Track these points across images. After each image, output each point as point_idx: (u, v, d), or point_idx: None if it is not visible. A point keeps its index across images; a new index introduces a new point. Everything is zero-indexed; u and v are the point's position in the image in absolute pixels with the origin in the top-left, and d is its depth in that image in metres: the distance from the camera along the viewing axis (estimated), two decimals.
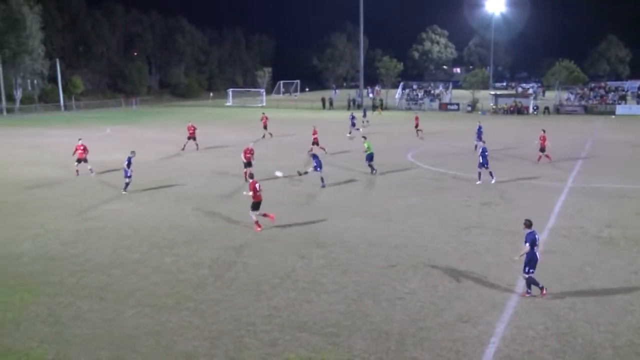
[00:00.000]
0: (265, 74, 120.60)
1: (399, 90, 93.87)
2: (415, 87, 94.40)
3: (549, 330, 12.78)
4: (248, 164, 29.10)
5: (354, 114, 54.37)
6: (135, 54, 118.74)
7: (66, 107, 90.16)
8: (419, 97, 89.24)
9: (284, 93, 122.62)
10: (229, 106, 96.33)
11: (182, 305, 14.18)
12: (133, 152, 26.99)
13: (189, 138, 41.11)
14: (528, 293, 14.54)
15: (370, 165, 30.89)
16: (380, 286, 15.33)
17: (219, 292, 15.05)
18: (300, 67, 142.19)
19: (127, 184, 26.58)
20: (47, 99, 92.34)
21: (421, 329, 12.89)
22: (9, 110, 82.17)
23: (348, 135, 48.76)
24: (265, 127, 48.58)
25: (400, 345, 12.16)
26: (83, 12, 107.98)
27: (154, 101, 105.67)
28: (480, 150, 28.58)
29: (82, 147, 31.04)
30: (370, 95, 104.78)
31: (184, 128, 44.30)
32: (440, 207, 24.08)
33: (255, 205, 20.24)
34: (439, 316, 13.51)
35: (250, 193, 20.06)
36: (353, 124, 51.07)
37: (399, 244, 18.93)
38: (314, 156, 28.43)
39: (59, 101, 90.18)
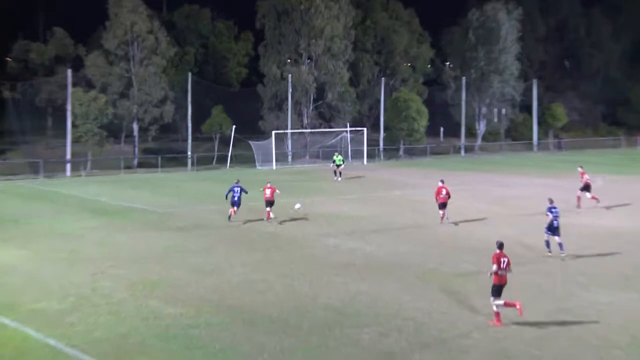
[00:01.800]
0: None
1: None
2: None
3: None
4: None
5: None
6: None
7: (540, 146, 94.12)
8: None
9: None
10: None
11: None
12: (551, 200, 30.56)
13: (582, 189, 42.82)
14: None
15: None
16: None
17: None
18: None
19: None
20: (515, 134, 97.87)
21: None
22: (468, 149, 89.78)
23: None
24: None
25: None
26: (576, 13, 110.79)
27: None
28: None
29: (445, 190, 37.09)
30: None
31: None
32: None
33: (496, 289, 20.83)
34: None
35: (493, 268, 20.78)
36: None
37: None
38: None
39: (531, 138, 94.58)
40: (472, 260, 29.31)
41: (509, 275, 21.01)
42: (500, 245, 21.31)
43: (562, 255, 29.31)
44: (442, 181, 38.24)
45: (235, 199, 37.38)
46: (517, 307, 20.77)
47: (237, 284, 25.84)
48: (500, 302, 20.86)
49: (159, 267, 28.60)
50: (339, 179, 58.57)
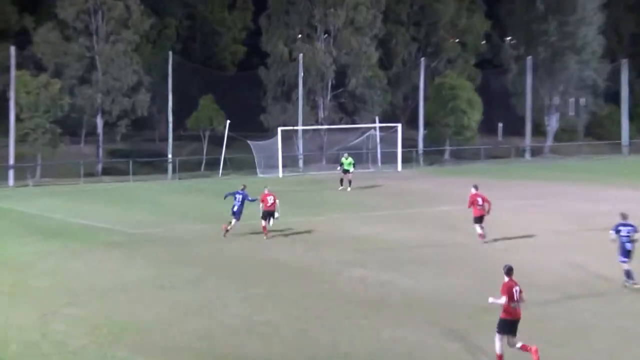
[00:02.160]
0: None
1: None
2: None
3: None
4: None
5: None
6: None
7: (632, 147, 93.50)
8: None
9: None
10: None
11: None
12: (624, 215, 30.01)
13: None
14: None
15: None
16: None
17: None
18: None
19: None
20: (599, 131, 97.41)
21: None
22: (535, 152, 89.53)
23: None
24: None
25: None
26: None
27: None
28: None
29: (482, 199, 38.10)
30: None
31: None
32: None
33: (504, 325, 20.87)
34: None
35: (501, 300, 20.68)
36: None
37: None
38: None
39: (620, 136, 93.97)
40: (539, 296, 29.01)
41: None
42: (509, 271, 21.12)
43: (628, 284, 29.16)
44: (476, 187, 39.03)
45: (235, 208, 38.44)
46: (533, 350, 20.77)
47: (232, 328, 25.66)
48: (498, 340, 20.88)
49: (129, 305, 28.52)
50: (348, 188, 58.68)
